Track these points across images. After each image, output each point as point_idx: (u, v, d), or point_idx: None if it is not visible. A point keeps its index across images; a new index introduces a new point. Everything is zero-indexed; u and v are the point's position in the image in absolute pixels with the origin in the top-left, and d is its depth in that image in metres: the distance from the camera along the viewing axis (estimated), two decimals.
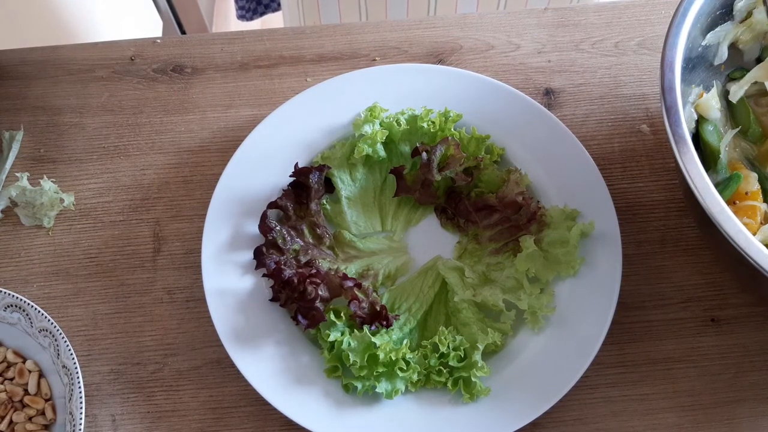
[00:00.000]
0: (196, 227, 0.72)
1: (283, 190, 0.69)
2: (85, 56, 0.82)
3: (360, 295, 0.64)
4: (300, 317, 0.63)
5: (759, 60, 0.71)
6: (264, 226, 0.67)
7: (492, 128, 0.72)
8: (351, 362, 0.61)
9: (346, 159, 0.71)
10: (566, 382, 0.61)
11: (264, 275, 0.66)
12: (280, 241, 0.67)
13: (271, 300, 0.65)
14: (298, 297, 0.63)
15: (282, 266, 0.65)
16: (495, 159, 0.71)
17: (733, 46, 0.68)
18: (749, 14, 0.67)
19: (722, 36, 0.66)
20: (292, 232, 0.68)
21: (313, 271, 0.64)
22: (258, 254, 0.66)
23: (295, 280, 0.63)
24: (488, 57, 0.81)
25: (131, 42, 0.84)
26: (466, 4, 1.07)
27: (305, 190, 0.69)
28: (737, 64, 0.71)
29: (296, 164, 0.70)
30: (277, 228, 0.67)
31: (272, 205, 0.68)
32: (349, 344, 0.61)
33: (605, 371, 0.65)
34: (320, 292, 0.63)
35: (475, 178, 0.69)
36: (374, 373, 0.60)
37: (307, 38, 0.83)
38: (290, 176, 0.69)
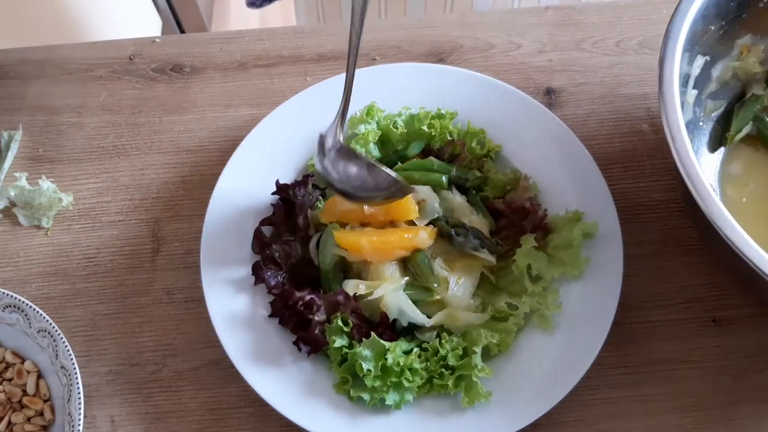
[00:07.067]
0: (195, 227, 0.71)
1: (272, 204, 0.68)
2: (84, 56, 0.82)
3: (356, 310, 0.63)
4: (302, 344, 0.62)
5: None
6: (259, 244, 0.66)
7: (493, 128, 0.71)
8: (365, 371, 0.59)
9: None
10: (567, 383, 0.60)
11: (268, 292, 0.65)
12: (276, 255, 0.66)
13: (270, 316, 0.64)
14: (298, 324, 0.63)
15: (284, 287, 0.64)
16: (487, 152, 0.70)
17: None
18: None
19: (721, 71, 0.67)
20: (286, 248, 0.66)
21: (310, 297, 0.62)
22: (256, 270, 0.65)
23: (297, 306, 0.62)
24: (489, 56, 0.80)
25: (130, 41, 0.83)
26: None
27: (291, 205, 0.67)
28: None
29: (277, 181, 0.68)
30: (271, 245, 0.66)
31: (264, 222, 0.67)
32: (362, 353, 0.60)
33: (606, 372, 0.64)
34: (317, 318, 0.62)
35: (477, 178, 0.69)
36: (387, 384, 0.59)
37: (307, 38, 0.82)
38: (272, 194, 0.68)
